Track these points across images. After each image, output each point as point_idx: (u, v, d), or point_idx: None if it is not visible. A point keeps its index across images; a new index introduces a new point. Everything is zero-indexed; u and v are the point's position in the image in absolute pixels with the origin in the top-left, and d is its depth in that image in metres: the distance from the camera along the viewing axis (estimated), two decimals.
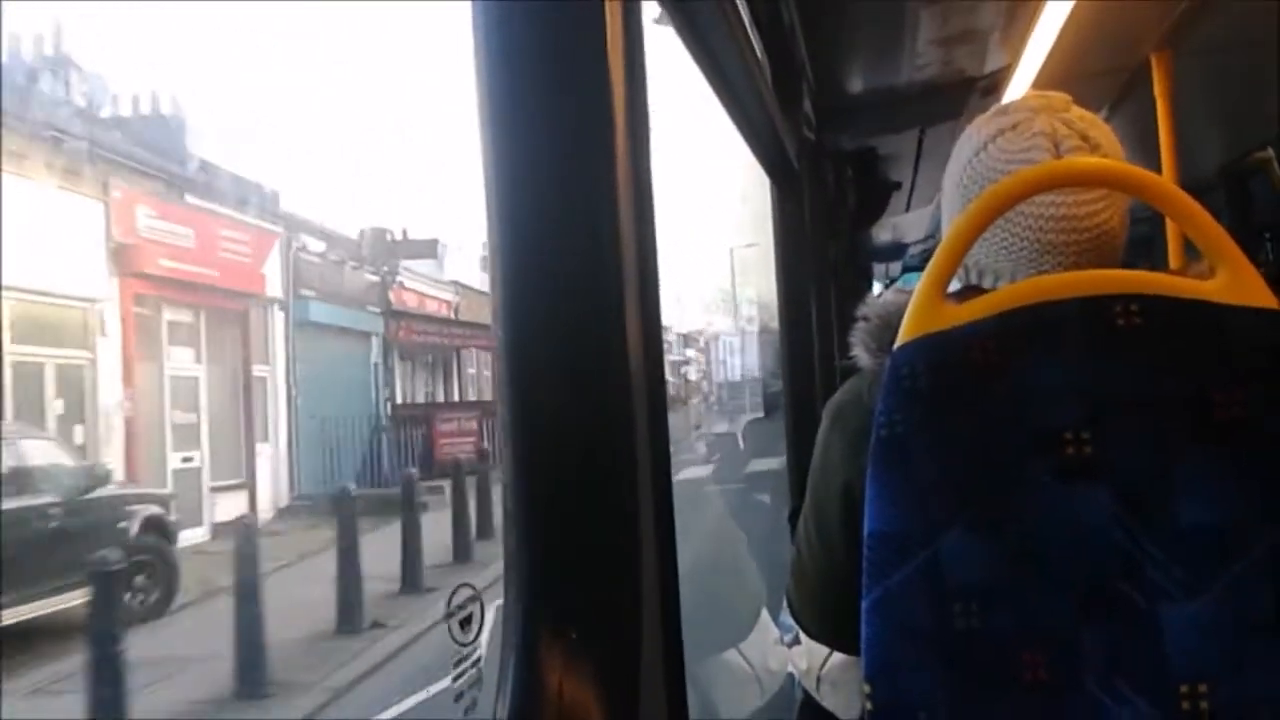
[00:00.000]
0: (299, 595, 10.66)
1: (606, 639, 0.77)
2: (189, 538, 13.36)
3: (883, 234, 7.23)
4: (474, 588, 0.83)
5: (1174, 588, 1.03)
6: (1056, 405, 1.06)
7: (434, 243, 27.35)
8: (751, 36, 2.28)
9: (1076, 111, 1.31)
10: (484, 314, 25.33)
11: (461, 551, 13.29)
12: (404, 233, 26.19)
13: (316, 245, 20.05)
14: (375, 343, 22.13)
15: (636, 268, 0.80)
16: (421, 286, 25.00)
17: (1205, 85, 3.44)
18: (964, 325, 1.09)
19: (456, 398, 25.36)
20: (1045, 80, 3.43)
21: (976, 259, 1.32)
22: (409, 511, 12.15)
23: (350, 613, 10.12)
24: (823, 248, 3.68)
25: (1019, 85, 3.65)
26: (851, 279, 5.44)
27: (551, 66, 0.80)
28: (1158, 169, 2.54)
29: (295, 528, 15.07)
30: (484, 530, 14.27)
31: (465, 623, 0.81)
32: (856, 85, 3.94)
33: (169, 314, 15.75)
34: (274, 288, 18.16)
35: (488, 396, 24.85)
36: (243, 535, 9.35)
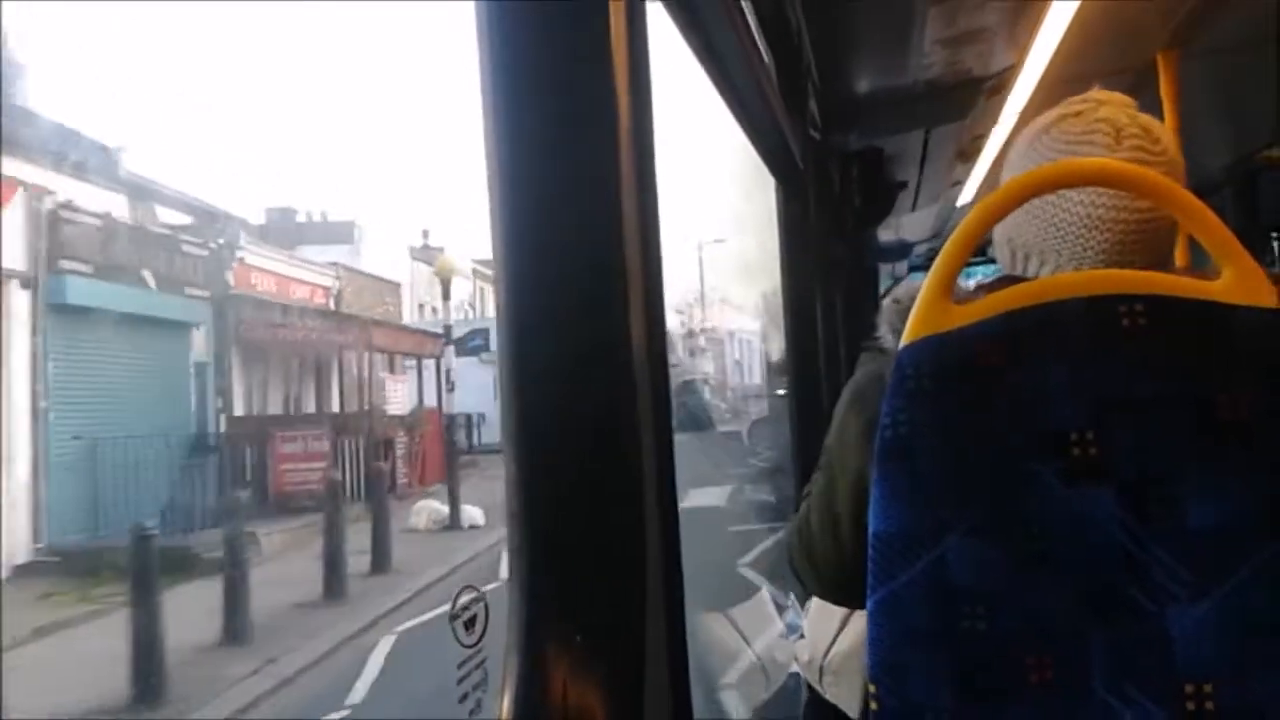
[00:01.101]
0: None
1: (611, 642, 0.77)
2: None
3: (888, 234, 7.23)
4: (477, 589, 0.83)
5: (1180, 589, 1.02)
6: (1062, 406, 1.06)
7: (349, 226, 25.34)
8: (756, 37, 2.28)
9: (1141, 114, 1.32)
10: (382, 306, 23.30)
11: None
12: (323, 215, 24.76)
13: (112, 208, 14.81)
14: (200, 337, 16.93)
15: (640, 267, 0.80)
16: (285, 268, 20.18)
17: (1211, 85, 3.44)
18: (969, 326, 1.09)
19: (336, 410, 20.46)
20: (1051, 80, 3.43)
21: (1026, 240, 1.31)
22: (232, 567, 9.33)
23: None
24: (827, 247, 3.68)
25: (1025, 85, 3.65)
26: (857, 279, 5.43)
27: (555, 66, 0.80)
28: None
29: (30, 595, 10.62)
30: (333, 590, 11.23)
31: (470, 624, 0.81)
32: (862, 85, 3.94)
33: None
34: (13, 257, 12.83)
35: (391, 407, 21.31)
36: None
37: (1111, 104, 1.30)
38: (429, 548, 14.00)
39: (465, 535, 15.03)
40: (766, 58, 2.53)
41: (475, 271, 36.74)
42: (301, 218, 26.05)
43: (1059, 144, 1.29)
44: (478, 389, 29.24)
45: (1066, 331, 1.07)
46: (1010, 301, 1.10)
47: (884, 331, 1.37)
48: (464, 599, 0.81)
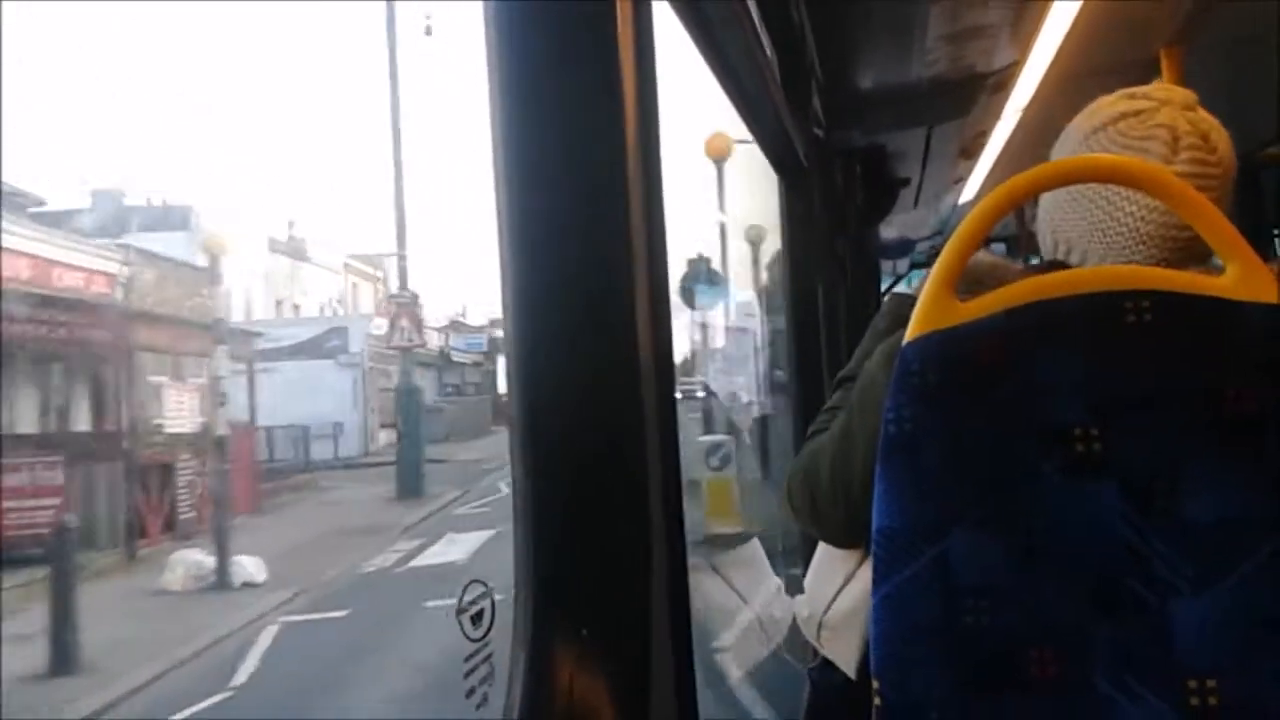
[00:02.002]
0: None
1: (617, 638, 0.77)
2: None
3: (890, 231, 7.23)
4: (484, 584, 0.83)
5: (1183, 584, 1.03)
6: (1066, 402, 1.06)
7: (185, 211, 22.95)
8: (761, 35, 2.28)
9: (1202, 113, 1.31)
10: (194, 298, 18.95)
11: None
12: (164, 201, 22.72)
13: None
14: None
15: (646, 268, 0.81)
16: (50, 250, 16.49)
17: (1215, 81, 3.43)
18: (973, 322, 1.09)
19: (120, 425, 16.58)
20: (1055, 76, 3.42)
21: (1069, 234, 1.32)
22: None
23: None
24: (831, 244, 3.68)
25: (1028, 82, 3.65)
26: (860, 275, 5.43)
27: (563, 67, 0.80)
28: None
29: None
30: (64, 663, 8.71)
31: (477, 618, 0.81)
32: (865, 82, 3.94)
33: None
34: None
35: (174, 423, 17.19)
36: None
37: (1171, 105, 1.30)
38: (169, 621, 10.74)
39: (233, 598, 11.77)
40: (771, 55, 2.53)
41: (348, 267, 34.95)
42: (140, 202, 23.68)
43: (1116, 144, 1.29)
44: (335, 394, 27.11)
45: (1071, 327, 1.08)
46: (1014, 298, 1.10)
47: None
48: (470, 594, 0.82)
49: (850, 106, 3.93)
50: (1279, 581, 1.02)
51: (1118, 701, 1.03)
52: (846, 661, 1.50)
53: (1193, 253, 1.24)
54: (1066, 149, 1.36)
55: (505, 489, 19.65)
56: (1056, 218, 1.33)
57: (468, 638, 0.80)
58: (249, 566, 12.39)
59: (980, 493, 1.07)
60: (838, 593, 1.53)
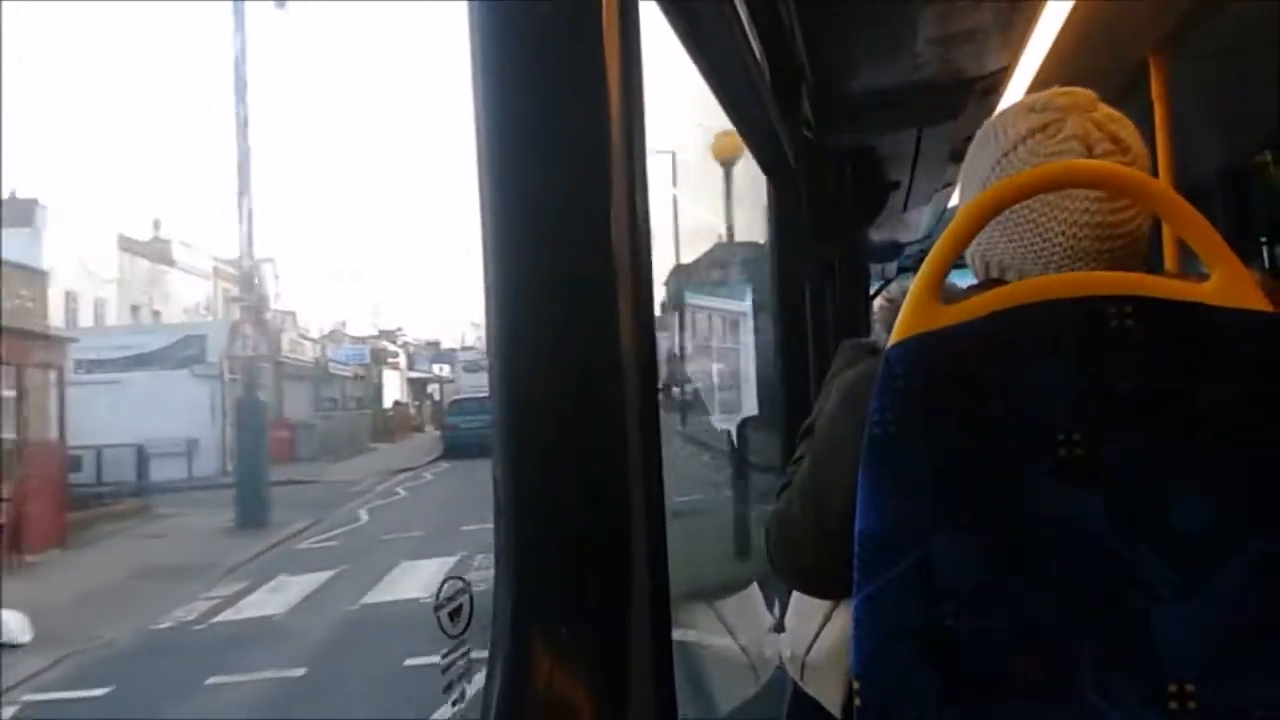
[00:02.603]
0: None
1: (596, 636, 0.77)
2: None
3: (879, 234, 7.24)
4: (463, 580, 0.83)
5: (1166, 589, 1.03)
6: (1050, 407, 1.06)
7: (30, 205, 21.29)
8: (750, 37, 2.29)
9: (1104, 110, 1.31)
10: (13, 300, 17.01)
11: None
12: (13, 194, 20.85)
13: None
14: None
15: (629, 267, 0.81)
16: None
17: (1203, 88, 3.45)
18: (958, 325, 1.09)
19: None
20: (1043, 81, 3.43)
21: (1000, 257, 1.31)
22: None
23: None
24: (820, 247, 3.68)
25: (1018, 86, 3.66)
26: (848, 278, 5.44)
27: (547, 64, 0.80)
28: (1154, 172, 2.54)
29: None
30: None
31: (455, 614, 0.81)
32: (855, 85, 3.95)
33: None
34: None
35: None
36: None
37: (1077, 111, 1.30)
38: None
39: None
40: (760, 56, 2.53)
41: (217, 270, 32.13)
42: None
43: (1028, 164, 1.28)
44: (189, 408, 24.21)
45: (1055, 332, 1.08)
46: (999, 302, 1.10)
47: (879, 331, 1.37)
48: (448, 589, 0.82)
49: (840, 108, 3.94)
50: (1260, 588, 1.02)
51: (1100, 707, 1.03)
52: (831, 700, 1.49)
53: (1136, 249, 1.26)
54: (978, 174, 1.35)
55: (366, 516, 17.45)
56: (985, 243, 1.32)
57: (446, 634, 0.80)
58: (11, 623, 8.61)
59: (963, 496, 1.07)
60: (818, 631, 1.53)
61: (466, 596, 0.83)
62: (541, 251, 0.80)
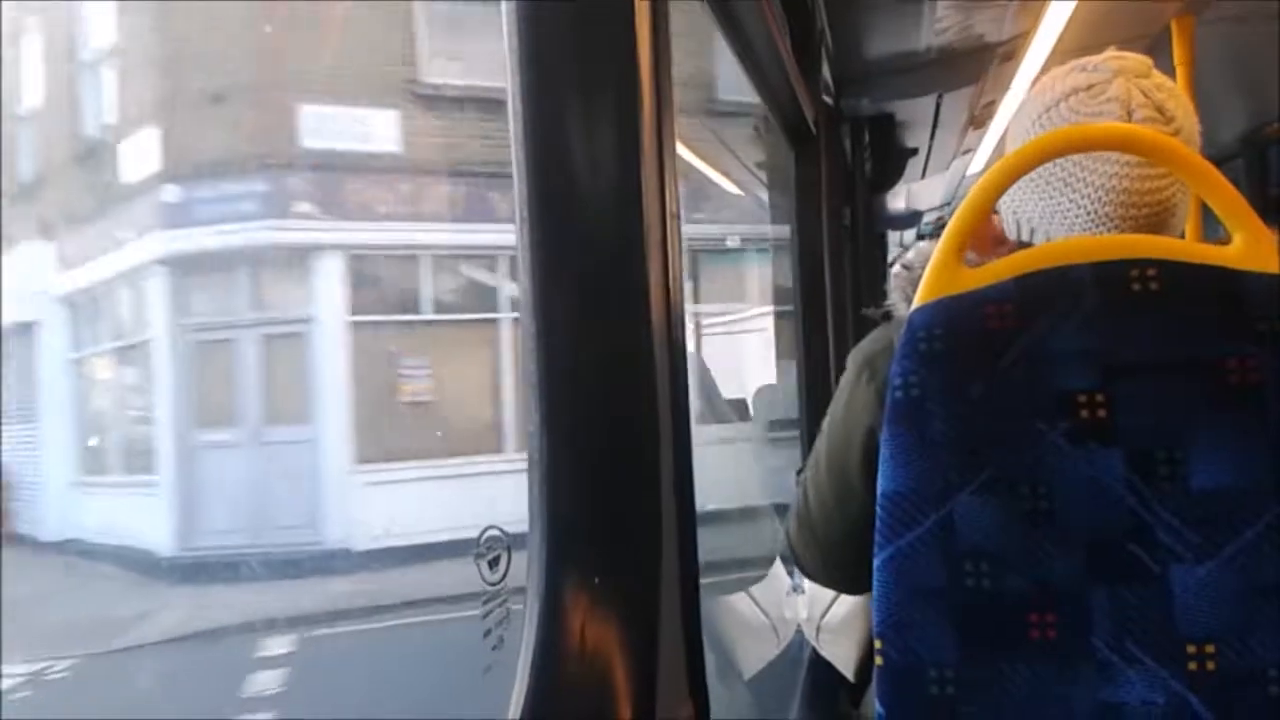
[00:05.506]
0: None
1: (627, 586, 0.79)
2: None
3: (897, 201, 7.21)
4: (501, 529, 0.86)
5: (1184, 551, 1.04)
6: (1071, 368, 1.07)
7: None
8: (773, 2, 2.28)
9: (1156, 78, 1.30)
10: None
11: None
12: None
13: None
14: None
15: (660, 256, 0.83)
16: None
17: (1227, 53, 3.42)
18: (981, 289, 1.10)
19: None
20: (1065, 46, 3.41)
21: (1030, 215, 1.32)
22: None
23: None
24: (839, 213, 3.68)
25: (1039, 51, 3.63)
26: (867, 245, 5.43)
27: (582, 63, 0.82)
28: None
29: None
30: None
31: (494, 563, 0.84)
32: (875, 50, 3.92)
33: None
34: None
35: None
36: None
37: (1124, 75, 1.29)
38: None
39: None
40: (782, 20, 2.53)
41: None
42: None
43: (1068, 121, 1.28)
44: None
45: (1077, 295, 1.08)
46: (1022, 265, 1.11)
47: (895, 299, 1.37)
48: (487, 536, 0.84)
49: (859, 74, 3.92)
50: (1279, 550, 1.03)
51: (1116, 665, 1.05)
52: (845, 663, 1.51)
53: (1162, 218, 1.25)
54: (1021, 127, 1.35)
55: None
56: (1017, 200, 1.33)
57: (485, 581, 0.83)
58: None
59: (985, 457, 1.08)
60: (836, 596, 1.54)
61: (505, 546, 0.85)
62: (578, 237, 0.82)
